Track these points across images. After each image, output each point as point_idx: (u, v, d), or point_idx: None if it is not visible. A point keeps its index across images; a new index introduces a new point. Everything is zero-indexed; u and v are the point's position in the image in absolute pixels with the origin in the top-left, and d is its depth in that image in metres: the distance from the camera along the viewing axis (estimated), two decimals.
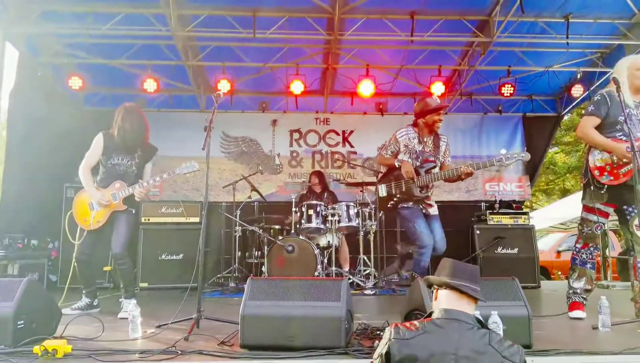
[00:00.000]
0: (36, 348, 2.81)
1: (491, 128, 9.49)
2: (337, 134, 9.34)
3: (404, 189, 5.01)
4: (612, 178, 4.03)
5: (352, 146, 9.33)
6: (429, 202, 5.13)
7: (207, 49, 7.78)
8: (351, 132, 9.35)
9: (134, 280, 4.92)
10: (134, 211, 4.70)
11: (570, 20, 7.03)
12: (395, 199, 5.09)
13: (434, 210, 5.18)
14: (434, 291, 2.32)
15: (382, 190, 5.18)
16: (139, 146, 4.71)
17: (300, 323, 2.96)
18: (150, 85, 7.78)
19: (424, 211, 5.09)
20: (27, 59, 7.16)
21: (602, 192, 4.09)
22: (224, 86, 7.71)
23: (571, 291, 4.31)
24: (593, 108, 4.13)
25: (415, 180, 4.92)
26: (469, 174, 4.83)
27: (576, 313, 4.17)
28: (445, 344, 2.01)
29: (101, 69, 7.89)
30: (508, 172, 9.37)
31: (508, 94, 8.33)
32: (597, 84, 8.38)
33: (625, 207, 4.14)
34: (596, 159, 4.11)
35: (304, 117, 9.16)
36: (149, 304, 5.13)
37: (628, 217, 4.12)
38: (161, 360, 2.80)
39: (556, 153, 20.20)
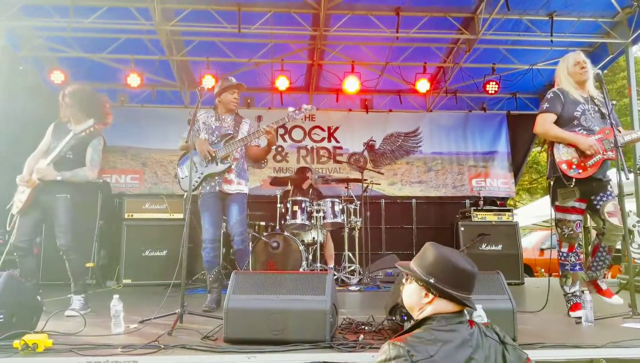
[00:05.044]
0: (16, 343, 2.76)
1: (476, 126, 9.52)
2: (323, 130, 9.34)
3: (206, 166, 4.75)
4: (580, 171, 3.96)
5: (337, 142, 9.33)
6: (228, 177, 4.78)
7: (192, 44, 7.71)
8: (336, 128, 9.35)
9: (85, 273, 4.65)
10: (69, 196, 4.35)
11: (554, 18, 7.08)
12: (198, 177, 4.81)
13: (234, 188, 4.79)
14: (424, 292, 2.07)
15: (183, 171, 4.85)
16: (83, 127, 4.29)
17: (284, 317, 2.94)
18: (133, 80, 7.72)
19: (218, 188, 4.73)
20: (8, 52, 7.02)
21: (573, 188, 3.99)
22: (208, 81, 7.62)
23: (570, 294, 4.19)
24: (548, 105, 4.11)
25: (213, 154, 4.70)
26: (268, 133, 4.70)
27: (579, 313, 3.92)
28: (465, 350, 1.92)
29: (83, 63, 7.78)
30: (494, 168, 9.42)
31: (493, 92, 8.39)
32: None
33: (593, 198, 4.07)
34: (562, 153, 4.04)
35: None
36: (132, 300, 5.05)
37: (598, 206, 4.03)
38: (144, 354, 2.76)
39: (539, 153, 20.40)
